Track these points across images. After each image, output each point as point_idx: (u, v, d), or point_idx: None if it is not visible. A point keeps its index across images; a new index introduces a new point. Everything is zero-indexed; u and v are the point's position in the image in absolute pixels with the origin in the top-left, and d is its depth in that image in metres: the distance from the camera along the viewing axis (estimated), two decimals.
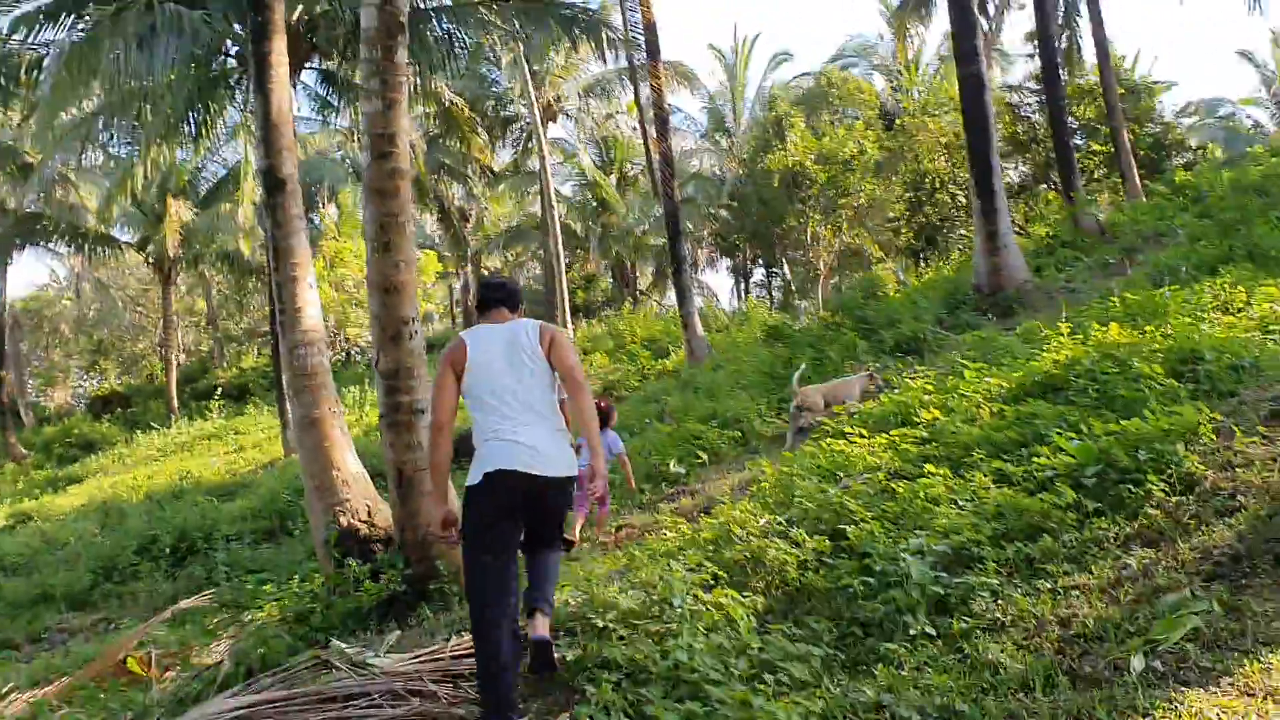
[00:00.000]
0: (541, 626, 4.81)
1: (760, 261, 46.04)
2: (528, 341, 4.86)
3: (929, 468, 6.57)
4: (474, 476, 4.73)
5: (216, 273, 41.46)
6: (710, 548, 6.43)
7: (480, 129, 35.94)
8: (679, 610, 5.11)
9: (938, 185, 32.95)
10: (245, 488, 22.83)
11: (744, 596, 5.42)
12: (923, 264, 38.25)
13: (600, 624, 5.14)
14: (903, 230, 34.67)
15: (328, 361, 10.25)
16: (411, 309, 8.06)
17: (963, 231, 36.84)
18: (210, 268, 39.46)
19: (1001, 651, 4.43)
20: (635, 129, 41.45)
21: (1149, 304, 9.54)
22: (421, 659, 5.58)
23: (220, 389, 37.49)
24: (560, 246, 32.59)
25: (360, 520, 9.45)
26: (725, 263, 49.31)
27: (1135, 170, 25.87)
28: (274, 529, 17.90)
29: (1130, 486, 5.68)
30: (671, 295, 51.73)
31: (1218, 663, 4.03)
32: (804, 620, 5.23)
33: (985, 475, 6.35)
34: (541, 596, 4.88)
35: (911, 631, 4.77)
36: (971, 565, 5.30)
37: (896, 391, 9.79)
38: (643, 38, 22.77)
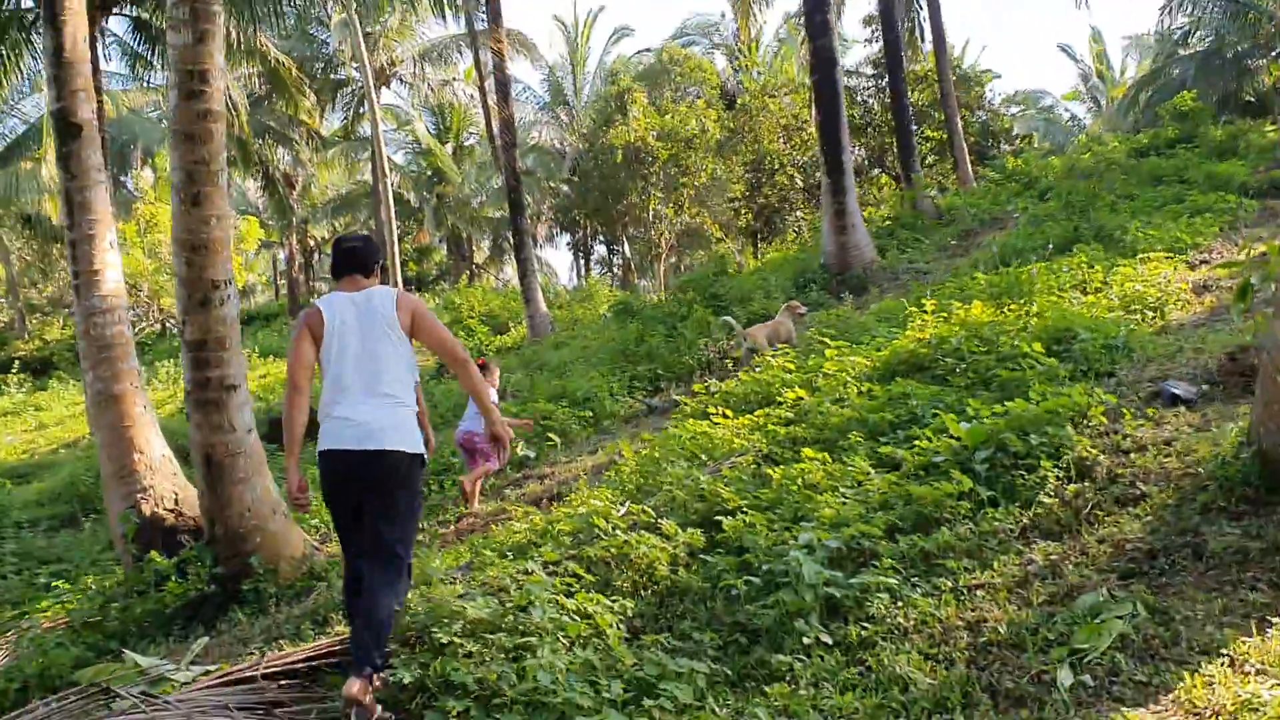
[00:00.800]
0: (358, 690, 4.09)
1: (601, 238, 45.45)
2: (384, 313, 4.63)
3: (805, 452, 6.00)
4: (318, 449, 4.60)
5: (17, 237, 38.28)
6: (569, 542, 5.73)
7: (309, 91, 34.14)
8: (538, 620, 4.40)
9: (777, 166, 32.97)
10: (44, 469, 20.93)
11: (611, 601, 4.75)
12: (761, 245, 38.45)
13: (443, 638, 4.36)
14: (742, 210, 34.62)
15: (129, 331, 9.05)
16: (223, 270, 7.06)
17: (800, 214, 37.16)
18: (10, 231, 36.38)
19: (908, 664, 3.88)
20: (473, 96, 40.14)
21: (1012, 282, 9.29)
22: (227, 678, 4.71)
23: (19, 362, 34.59)
24: (393, 216, 31.14)
25: (166, 509, 8.36)
26: (565, 238, 48.56)
27: (967, 156, 26.32)
28: (75, 514, 16.29)
29: (1023, 473, 5.24)
30: (509, 270, 50.80)
31: (1154, 676, 3.55)
32: (682, 628, 4.59)
33: (864, 459, 5.84)
34: (366, 651, 4.27)
35: (805, 640, 4.16)
36: (864, 562, 4.75)
37: (756, 371, 9.28)
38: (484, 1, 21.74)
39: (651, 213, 34.40)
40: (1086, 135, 35.48)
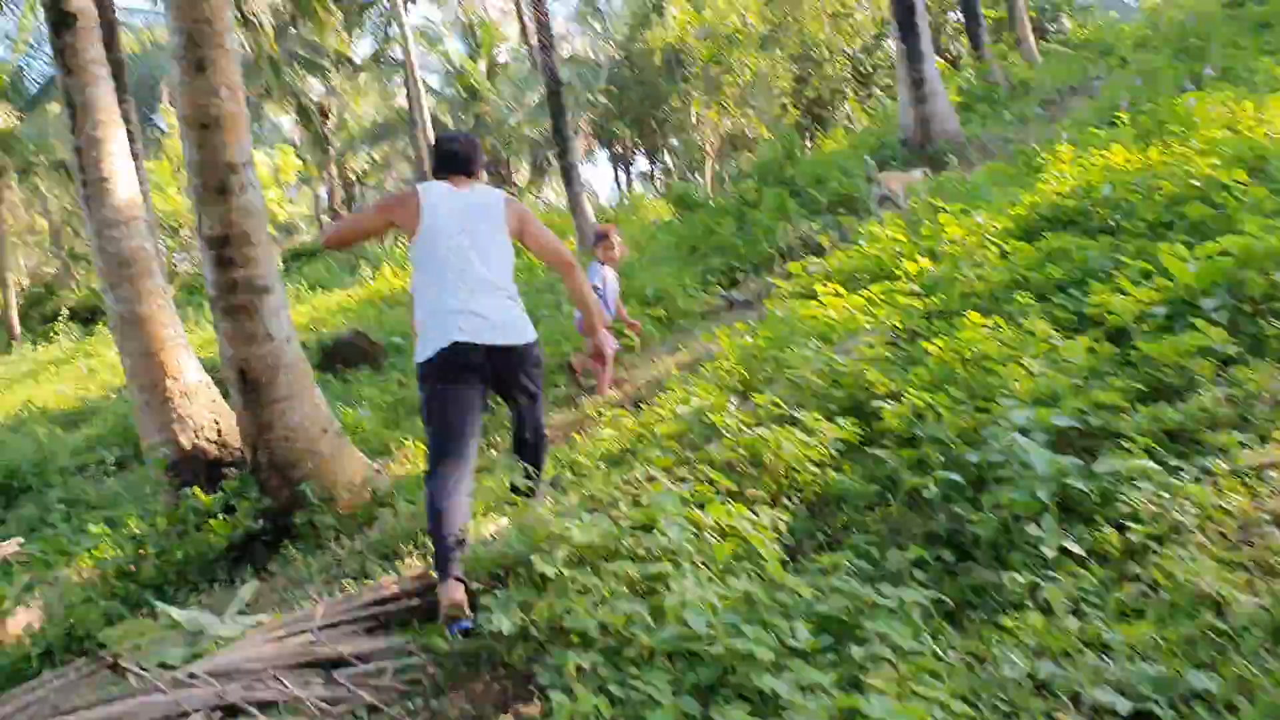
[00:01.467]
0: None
1: (641, 150, 43.87)
2: (493, 213, 4.40)
3: (971, 316, 4.75)
4: (423, 353, 4.25)
5: (55, 185, 37.48)
6: (678, 447, 4.60)
7: (336, 10, 32.76)
8: (668, 542, 3.28)
9: (826, 55, 31.18)
10: (95, 414, 20.21)
11: (754, 514, 3.61)
12: (814, 141, 36.74)
13: (547, 569, 3.25)
14: (790, 107, 32.91)
15: (152, 246, 7.97)
16: (242, 151, 5.89)
17: (847, 109, 35.38)
18: (45, 179, 35.55)
19: (1212, 576, 2.71)
20: (503, 10, 38.62)
21: (1160, 117, 7.87)
22: (275, 635, 3.66)
23: (68, 311, 34.00)
24: (431, 140, 29.94)
25: (207, 439, 7.34)
26: (604, 154, 46.98)
27: (1030, 30, 24.51)
28: (126, 457, 15.51)
29: (1271, 320, 4.00)
30: (549, 192, 49.55)
31: None
32: (852, 544, 3.46)
33: (1043, 321, 4.61)
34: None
35: (1045, 551, 3.01)
36: (1089, 447, 3.55)
37: (857, 246, 8.03)
38: None
39: (695, 116, 32.85)
40: (1148, 3, 33.24)
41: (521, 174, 45.84)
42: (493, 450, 7.11)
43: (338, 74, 38.43)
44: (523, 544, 3.32)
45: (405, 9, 30.07)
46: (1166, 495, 3.10)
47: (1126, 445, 3.33)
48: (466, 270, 4.20)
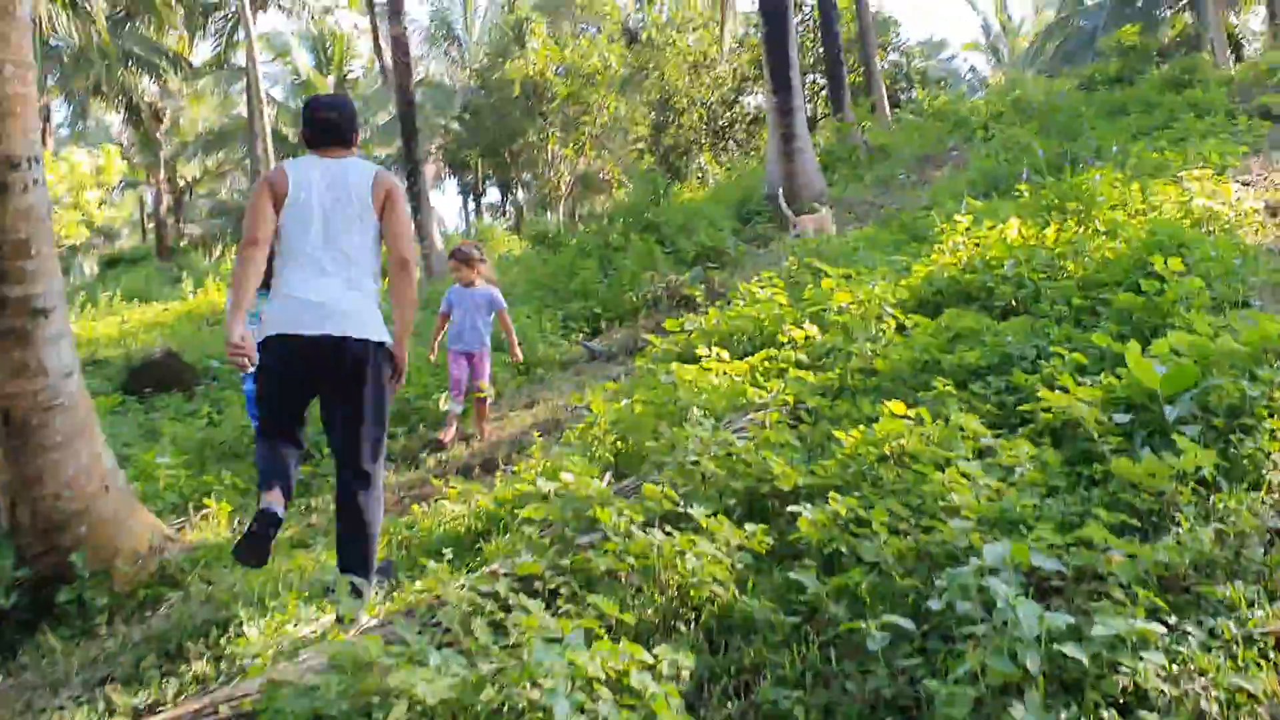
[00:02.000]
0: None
1: (492, 182, 42.88)
2: (359, 186, 4.09)
3: (891, 405, 4.07)
4: (261, 333, 4.07)
5: None
6: (545, 543, 3.77)
7: (178, 8, 30.86)
8: (543, 697, 2.45)
9: (685, 105, 31.01)
10: None
11: (650, 656, 2.80)
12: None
13: None
14: (645, 153, 32.57)
15: None
16: (27, 144, 4.80)
17: (701, 161, 35.33)
18: None
19: None
20: (356, 25, 37.25)
21: (1063, 192, 7.48)
22: None
23: None
24: (271, 152, 28.32)
25: None
26: (452, 183, 45.75)
27: (885, 98, 24.86)
28: None
29: (1239, 435, 3.46)
30: None
31: None
32: (778, 707, 2.69)
33: (971, 416, 3.99)
34: (352, 564, 3.94)
35: None
36: (1066, 590, 2.89)
37: (735, 305, 7.40)
38: None
39: (550, 153, 32.20)
40: (994, 82, 34.43)
41: None
42: (312, 513, 6.13)
43: (175, 76, 36.22)
44: (344, 699, 2.43)
45: (253, 16, 28.47)
46: (1176, 668, 2.45)
47: (1115, 595, 2.67)
48: (320, 250, 3.99)
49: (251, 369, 4.03)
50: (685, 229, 11.55)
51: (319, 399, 4.12)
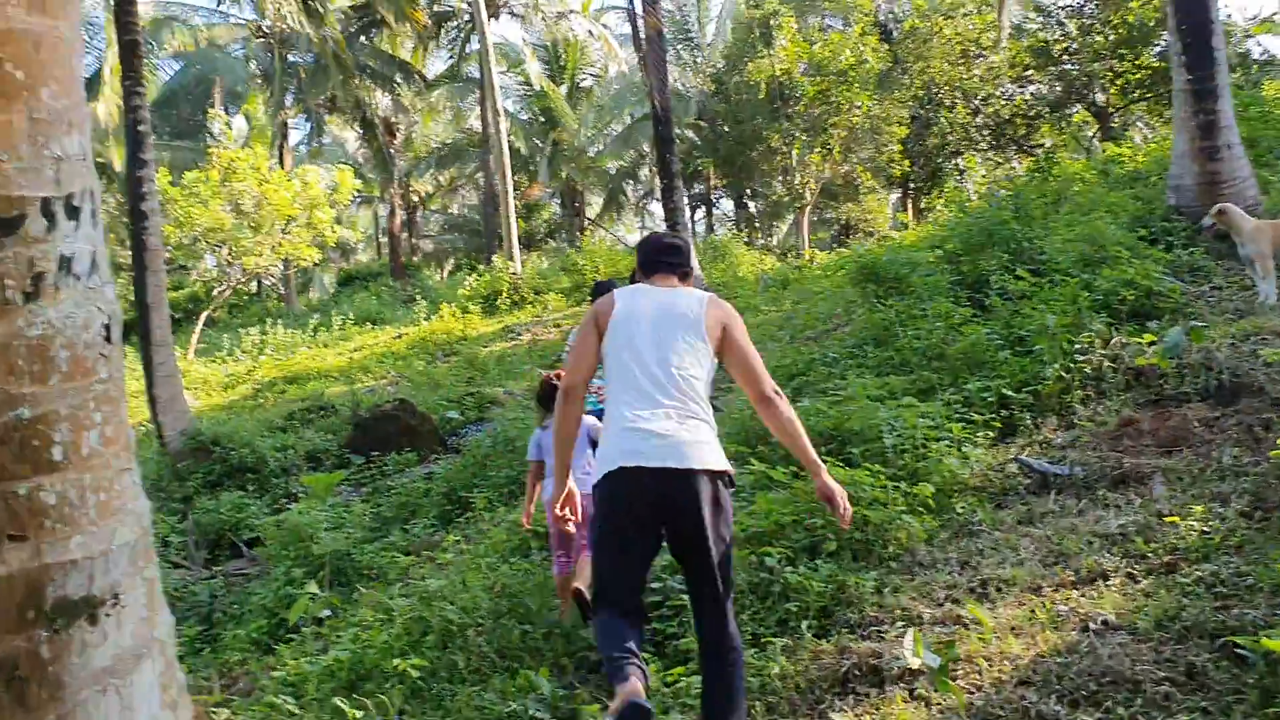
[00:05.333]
0: None
1: (722, 191, 39.95)
2: (691, 314, 3.64)
3: None
4: (598, 471, 3.56)
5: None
6: None
7: (413, 20, 29.32)
8: None
9: (953, 99, 27.13)
10: None
11: None
12: (922, 199, 32.63)
13: None
14: (897, 158, 28.83)
15: None
16: (51, 157, 1.98)
17: (959, 162, 31.27)
18: None
19: None
20: (590, 32, 34.97)
21: None
22: None
23: None
24: (508, 166, 26.26)
25: None
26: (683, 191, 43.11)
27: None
28: None
29: None
30: (621, 228, 45.68)
31: None
32: None
33: None
34: None
35: None
36: None
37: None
38: None
39: (795, 158, 28.88)
40: None
41: (593, 207, 42.10)
42: None
43: (408, 89, 35.00)
44: None
45: (487, 21, 26.42)
46: None
47: None
48: (651, 381, 3.52)
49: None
50: (1086, 261, 8.10)
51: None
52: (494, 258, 25.61)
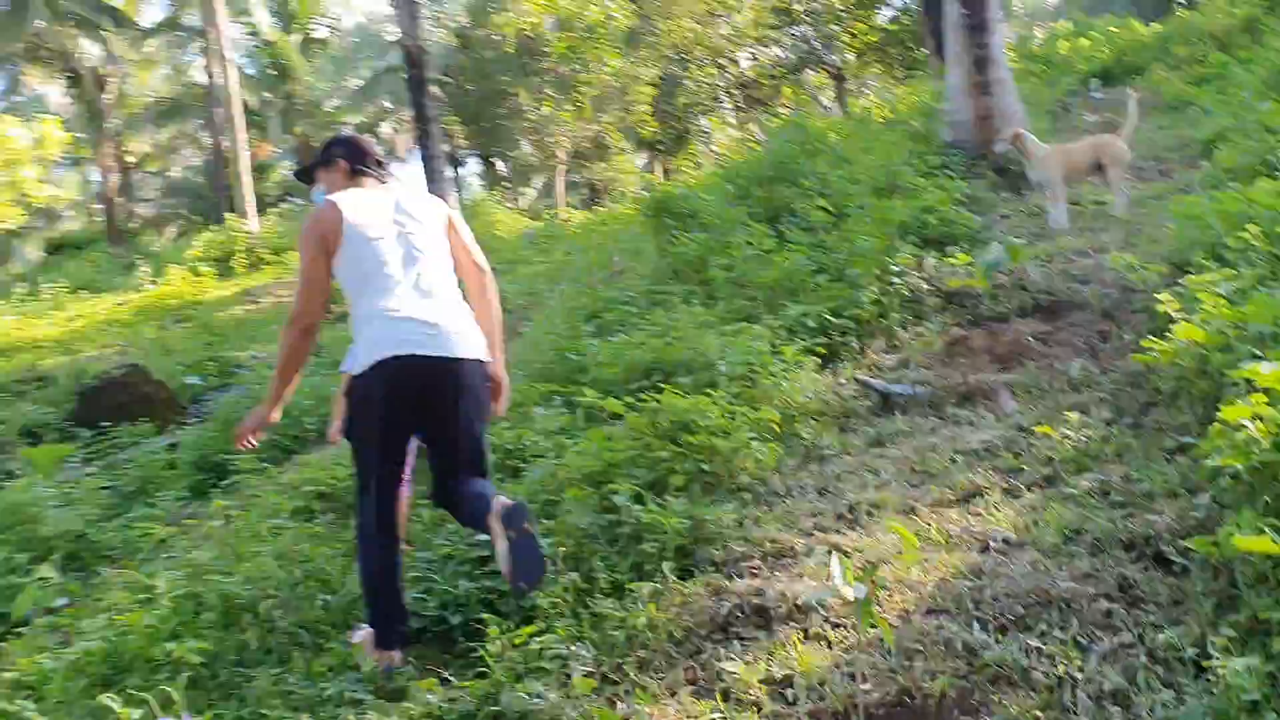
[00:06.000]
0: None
1: (469, 152, 38.73)
2: (422, 212, 3.70)
3: None
4: (358, 363, 3.52)
5: None
6: None
7: None
8: None
9: (699, 62, 27.27)
10: None
11: None
12: (668, 160, 32.78)
13: None
14: (646, 119, 28.78)
15: None
16: None
17: (704, 121, 31.67)
18: None
19: None
20: None
21: None
22: None
23: None
24: (241, 117, 24.26)
25: None
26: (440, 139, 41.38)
27: None
28: None
29: None
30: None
31: None
32: None
33: None
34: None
35: None
36: None
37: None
38: None
39: (546, 116, 28.26)
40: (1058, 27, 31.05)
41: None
42: None
43: (120, 39, 31.76)
44: None
45: None
46: None
47: None
48: (408, 275, 3.55)
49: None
50: (876, 191, 7.94)
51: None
52: (227, 217, 23.58)
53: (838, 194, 7.93)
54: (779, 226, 7.88)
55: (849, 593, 2.73)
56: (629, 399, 4.75)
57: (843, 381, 5.41)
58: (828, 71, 26.67)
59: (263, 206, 34.33)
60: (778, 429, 4.75)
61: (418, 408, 3.53)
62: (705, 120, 31.57)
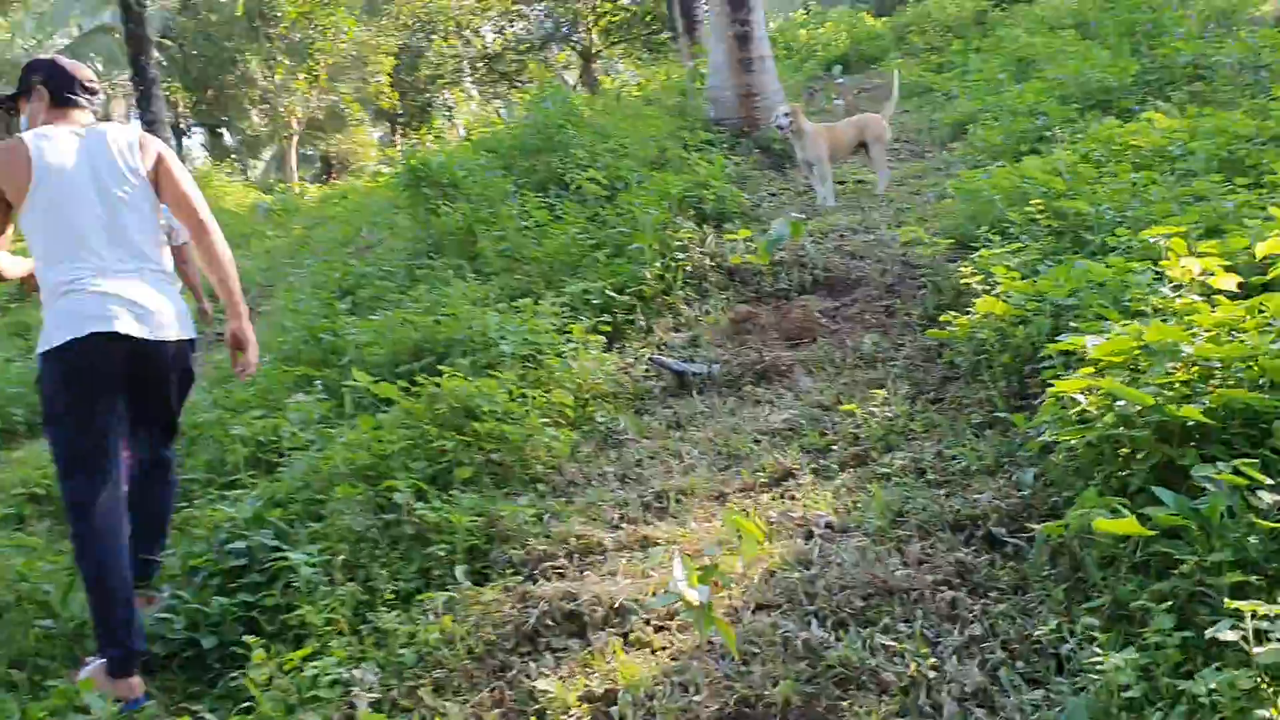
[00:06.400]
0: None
1: (193, 121, 36.00)
2: (125, 154, 3.27)
3: None
4: (50, 339, 3.11)
5: None
6: None
7: None
8: None
9: (444, 33, 26.37)
10: None
11: None
12: (407, 133, 31.62)
13: None
14: (386, 90, 27.62)
15: None
16: None
17: (447, 95, 30.78)
18: None
19: None
20: None
21: None
22: None
23: None
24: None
25: None
26: (140, 122, 38.28)
27: None
28: None
29: None
30: None
31: None
32: None
33: None
34: (145, 567, 3.36)
35: None
36: None
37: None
38: None
39: (277, 84, 26.62)
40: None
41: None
42: None
43: None
44: None
45: None
46: None
47: None
48: (103, 236, 3.17)
49: None
50: (646, 165, 7.70)
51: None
52: None
53: (608, 167, 7.62)
54: (548, 199, 7.53)
55: (693, 596, 2.40)
56: (402, 383, 4.26)
57: (632, 360, 5.12)
58: (573, 49, 26.43)
59: None
60: (570, 413, 4.39)
61: (114, 384, 3.19)
62: (449, 93, 30.68)
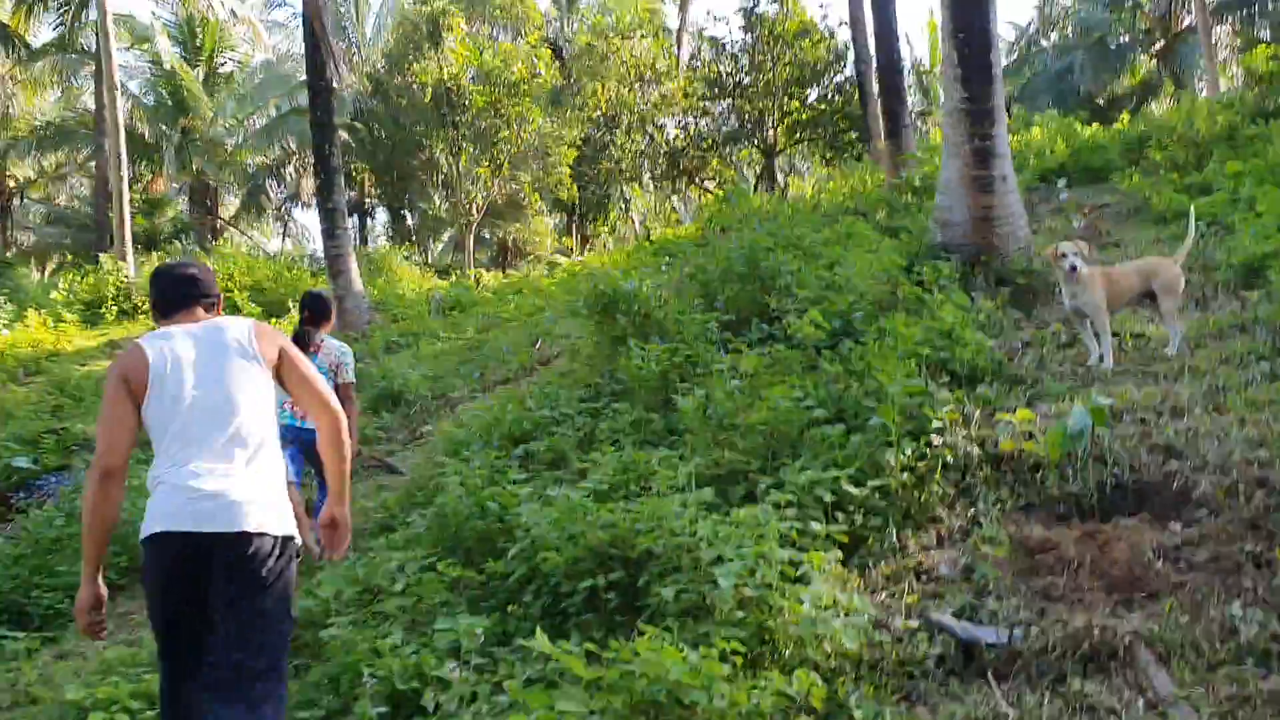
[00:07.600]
0: None
1: (377, 201, 36.60)
2: (240, 342, 3.21)
3: None
4: (144, 529, 3.03)
5: None
6: None
7: None
8: None
9: (627, 126, 25.83)
10: None
11: None
12: (585, 225, 31.32)
13: None
14: (565, 181, 27.19)
15: None
16: None
17: (625, 192, 30.25)
18: None
19: None
20: (234, 12, 30.84)
21: None
22: None
23: None
24: (123, 150, 22.02)
25: None
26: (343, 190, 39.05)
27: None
28: None
29: None
30: (257, 232, 40.74)
31: None
32: None
33: None
34: None
35: None
36: None
37: None
38: None
39: (461, 171, 26.51)
40: None
41: (228, 207, 37.36)
42: None
43: (5, 57, 29.14)
44: None
45: None
46: None
47: None
48: (205, 428, 3.05)
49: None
50: (874, 305, 6.39)
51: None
52: (102, 257, 21.20)
53: (825, 303, 6.35)
54: (747, 335, 6.31)
55: None
56: (589, 646, 3.02)
57: (885, 600, 3.75)
58: (757, 147, 25.46)
59: (154, 244, 31.67)
60: (818, 704, 3.04)
61: (193, 593, 2.94)
62: (626, 188, 30.17)
